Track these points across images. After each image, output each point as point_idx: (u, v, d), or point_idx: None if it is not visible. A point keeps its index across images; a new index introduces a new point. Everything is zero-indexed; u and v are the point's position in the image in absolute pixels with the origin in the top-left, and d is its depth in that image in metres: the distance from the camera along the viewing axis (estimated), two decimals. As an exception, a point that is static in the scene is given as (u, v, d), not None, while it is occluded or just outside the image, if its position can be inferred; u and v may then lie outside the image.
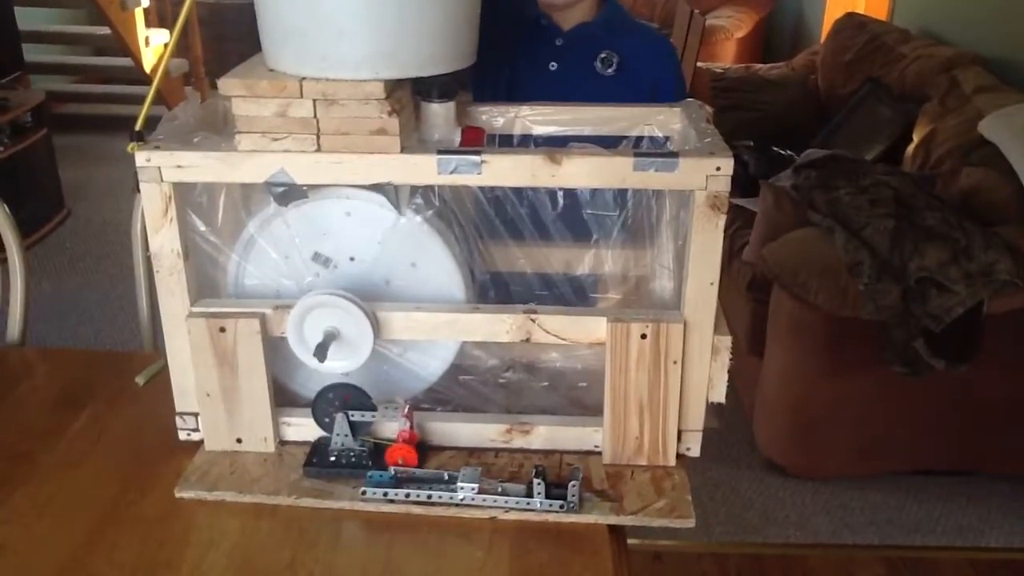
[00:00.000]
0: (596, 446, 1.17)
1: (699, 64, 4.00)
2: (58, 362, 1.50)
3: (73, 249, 3.95)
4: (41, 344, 2.99)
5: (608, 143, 1.26)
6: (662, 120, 1.26)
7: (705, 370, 1.12)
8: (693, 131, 1.16)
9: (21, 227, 1.69)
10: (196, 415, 1.17)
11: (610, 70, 1.54)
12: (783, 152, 3.33)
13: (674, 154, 1.03)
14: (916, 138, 3.05)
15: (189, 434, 1.19)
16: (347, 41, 1.02)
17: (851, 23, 3.90)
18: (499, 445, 1.17)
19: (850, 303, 2.21)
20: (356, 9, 1.01)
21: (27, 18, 4.70)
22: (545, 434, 1.17)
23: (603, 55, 1.54)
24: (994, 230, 2.27)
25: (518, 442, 1.17)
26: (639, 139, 1.26)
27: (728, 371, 1.13)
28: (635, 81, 1.54)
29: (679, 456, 1.16)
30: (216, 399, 1.15)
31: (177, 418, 1.18)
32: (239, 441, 1.17)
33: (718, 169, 1.02)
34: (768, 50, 5.63)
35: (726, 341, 1.12)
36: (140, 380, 1.34)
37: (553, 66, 1.57)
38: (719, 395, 1.15)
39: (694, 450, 1.17)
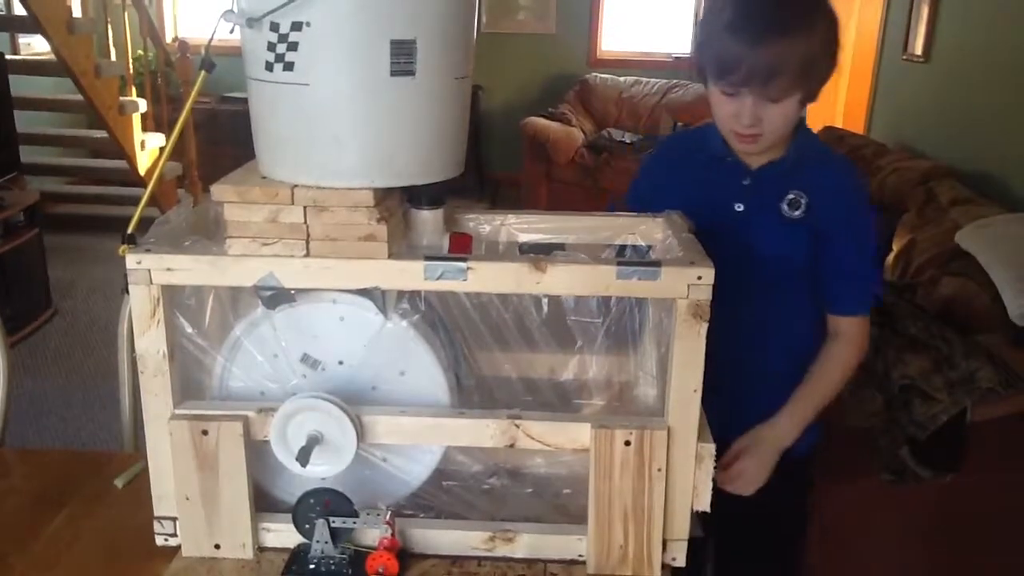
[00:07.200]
0: (580, 555, 1.15)
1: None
2: (36, 462, 1.48)
3: (57, 348, 3.93)
4: (20, 443, 2.94)
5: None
6: (645, 230, 1.29)
7: (690, 478, 1.12)
8: (675, 241, 1.18)
9: (6, 324, 1.69)
10: (174, 519, 1.16)
11: (797, 212, 1.40)
12: (766, 259, 3.38)
13: (656, 263, 1.06)
14: (896, 247, 3.11)
15: (167, 539, 1.17)
16: (343, 150, 1.06)
17: (830, 136, 4.03)
18: (482, 553, 1.15)
19: (835, 410, 2.21)
20: (353, 119, 1.05)
21: (26, 121, 4.80)
22: (529, 542, 1.15)
23: (791, 197, 1.40)
24: (974, 339, 2.29)
25: (501, 550, 1.15)
26: (622, 247, 1.29)
27: (713, 479, 1.13)
28: (821, 222, 1.40)
29: (664, 566, 1.15)
30: (195, 503, 1.14)
31: (155, 522, 1.16)
32: (217, 547, 1.15)
33: (699, 278, 1.05)
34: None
35: (710, 448, 1.12)
36: (119, 482, 1.33)
37: (739, 207, 1.43)
38: (704, 503, 1.14)
39: (679, 560, 1.15)
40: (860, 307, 1.46)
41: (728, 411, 1.21)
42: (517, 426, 1.11)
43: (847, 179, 1.47)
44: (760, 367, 1.46)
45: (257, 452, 1.14)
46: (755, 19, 1.28)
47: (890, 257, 3.11)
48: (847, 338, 1.45)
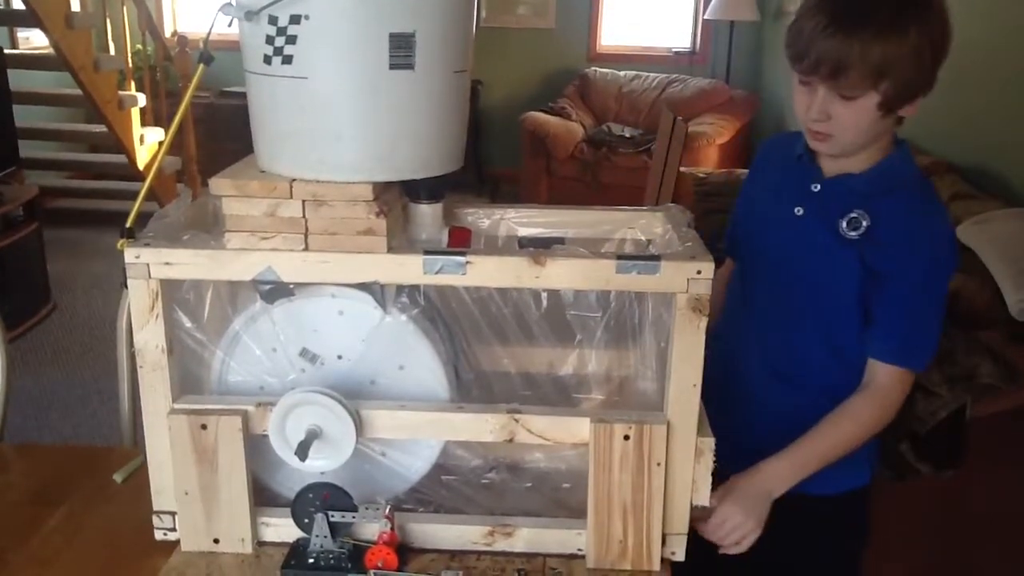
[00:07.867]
0: (579, 549, 1.15)
1: (682, 169, 4.09)
2: (35, 458, 1.48)
3: (56, 343, 3.92)
4: (19, 438, 2.94)
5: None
6: (644, 224, 1.28)
7: (689, 472, 1.12)
8: (675, 235, 1.18)
9: (5, 320, 1.68)
10: (173, 514, 1.16)
11: (853, 233, 1.27)
12: (766, 255, 3.38)
13: (656, 257, 1.05)
14: (896, 243, 3.10)
15: (166, 534, 1.17)
16: (342, 144, 1.05)
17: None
18: (481, 548, 1.15)
19: (834, 405, 2.21)
20: (352, 113, 1.05)
21: (25, 115, 4.79)
22: (528, 537, 1.15)
23: (853, 215, 1.27)
24: (975, 334, 2.29)
25: (500, 545, 1.15)
26: (622, 242, 1.28)
27: (713, 474, 1.13)
28: (875, 255, 1.27)
29: (664, 560, 1.15)
30: (194, 498, 1.13)
31: (154, 517, 1.16)
32: (216, 541, 1.15)
33: (699, 272, 1.04)
34: (750, 155, 5.77)
35: (709, 443, 1.11)
36: (118, 477, 1.32)
37: (798, 211, 1.33)
38: (703, 498, 1.14)
39: (679, 554, 1.15)
40: (894, 356, 1.30)
41: (733, 438, 1.15)
42: (516, 420, 1.10)
43: (917, 219, 1.29)
44: (783, 403, 1.35)
45: (256, 446, 1.13)
46: (836, 5, 1.20)
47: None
48: (873, 388, 1.30)
